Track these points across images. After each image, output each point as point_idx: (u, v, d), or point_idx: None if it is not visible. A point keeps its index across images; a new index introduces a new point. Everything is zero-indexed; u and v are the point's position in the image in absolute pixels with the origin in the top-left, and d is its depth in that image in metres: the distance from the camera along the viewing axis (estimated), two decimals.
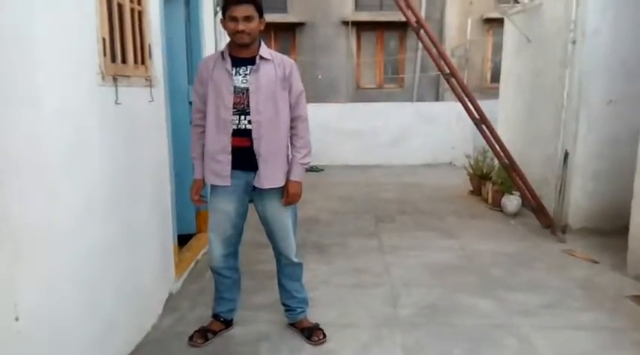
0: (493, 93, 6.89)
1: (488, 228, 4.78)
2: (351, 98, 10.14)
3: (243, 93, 2.40)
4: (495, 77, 8.24)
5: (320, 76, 9.96)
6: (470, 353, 2.57)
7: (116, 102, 2.35)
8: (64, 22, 1.95)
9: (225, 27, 2.41)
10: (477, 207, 5.65)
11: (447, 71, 4.76)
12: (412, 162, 8.57)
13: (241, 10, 2.31)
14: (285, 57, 2.54)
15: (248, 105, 2.40)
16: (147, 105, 2.78)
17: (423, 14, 9.83)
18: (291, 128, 2.51)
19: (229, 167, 2.44)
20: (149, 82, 2.78)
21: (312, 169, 8.23)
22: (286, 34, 10.28)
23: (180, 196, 3.70)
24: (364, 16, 10.17)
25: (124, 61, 2.50)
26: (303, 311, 2.78)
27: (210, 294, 3.26)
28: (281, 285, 2.78)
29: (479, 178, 6.03)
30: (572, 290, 3.32)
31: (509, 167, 4.78)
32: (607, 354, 2.56)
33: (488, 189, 5.63)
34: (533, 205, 4.71)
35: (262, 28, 2.43)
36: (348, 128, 8.48)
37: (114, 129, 2.36)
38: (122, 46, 2.49)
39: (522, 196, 4.91)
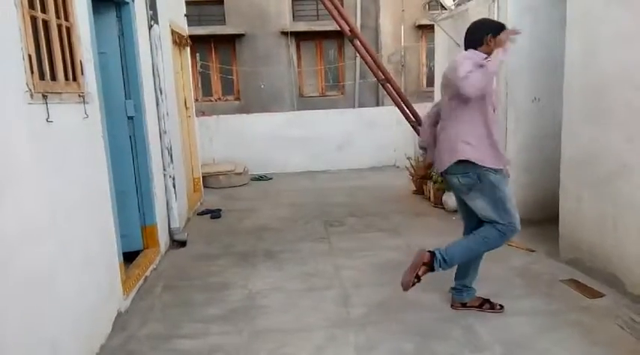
0: (429, 96, 7.14)
1: (432, 225, 4.95)
2: (295, 106, 10.22)
3: None
4: (431, 81, 8.54)
5: (263, 86, 9.98)
6: (420, 347, 2.66)
7: (47, 120, 2.28)
8: None
9: (496, 42, 2.88)
10: (421, 205, 5.83)
11: (383, 77, 4.91)
12: (358, 166, 8.75)
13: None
14: None
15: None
16: (81, 122, 2.72)
17: (358, 22, 10.08)
18: None
19: None
20: (82, 98, 2.72)
21: (261, 178, 8.22)
22: (226, 46, 10.24)
23: (125, 213, 3.61)
24: (302, 26, 10.31)
25: (53, 77, 2.44)
26: (474, 293, 3.13)
27: (161, 310, 3.22)
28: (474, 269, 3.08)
29: (420, 178, 6.23)
30: (511, 279, 3.51)
31: None
32: (544, 336, 2.73)
33: (430, 187, 5.83)
34: None
35: None
36: (293, 136, 8.55)
37: (46, 147, 2.29)
38: (51, 63, 2.43)
39: None
